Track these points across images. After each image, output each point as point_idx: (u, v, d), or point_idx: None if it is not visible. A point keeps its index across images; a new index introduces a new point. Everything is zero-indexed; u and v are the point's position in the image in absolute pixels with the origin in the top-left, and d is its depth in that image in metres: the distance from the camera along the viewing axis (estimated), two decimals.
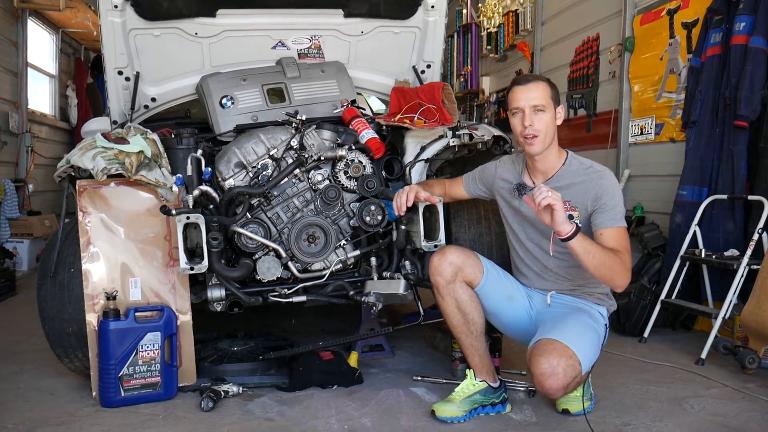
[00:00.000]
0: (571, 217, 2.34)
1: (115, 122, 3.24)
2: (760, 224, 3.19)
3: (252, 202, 2.76)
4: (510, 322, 2.54)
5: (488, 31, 7.31)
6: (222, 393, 2.56)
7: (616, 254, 2.21)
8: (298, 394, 2.67)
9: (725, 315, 3.17)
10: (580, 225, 2.26)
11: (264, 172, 2.75)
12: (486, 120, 7.41)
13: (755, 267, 3.13)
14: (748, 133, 3.46)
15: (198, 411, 2.47)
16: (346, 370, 2.81)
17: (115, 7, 2.97)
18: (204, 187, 2.61)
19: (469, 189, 2.70)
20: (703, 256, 3.46)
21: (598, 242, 2.25)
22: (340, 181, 2.84)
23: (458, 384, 2.47)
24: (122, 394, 2.51)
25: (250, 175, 2.76)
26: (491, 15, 7.22)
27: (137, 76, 3.18)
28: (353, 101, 3.19)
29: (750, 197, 3.38)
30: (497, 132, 2.95)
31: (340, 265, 2.82)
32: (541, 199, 2.13)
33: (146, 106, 3.31)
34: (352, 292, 2.82)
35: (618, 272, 2.21)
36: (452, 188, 2.73)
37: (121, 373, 2.50)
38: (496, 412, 2.46)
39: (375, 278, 2.81)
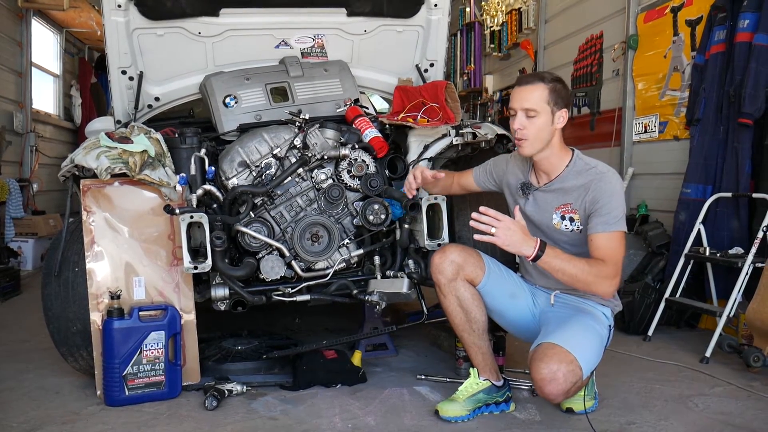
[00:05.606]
0: (572, 220, 2.35)
1: (118, 121, 3.25)
2: (765, 222, 3.18)
3: (255, 201, 2.76)
4: (513, 320, 2.53)
5: (491, 29, 7.30)
6: (226, 392, 2.57)
7: (593, 266, 2.19)
8: (301, 392, 2.67)
9: (730, 313, 3.16)
10: (544, 242, 2.21)
11: (267, 171, 2.76)
12: (489, 118, 7.40)
13: (760, 265, 3.12)
14: (752, 130, 3.45)
15: (202, 410, 2.47)
16: (350, 368, 2.81)
17: (119, 6, 2.97)
18: (207, 187, 2.61)
19: (480, 181, 2.66)
20: (707, 254, 3.45)
21: (589, 247, 2.25)
22: (343, 180, 2.83)
23: (462, 383, 2.47)
24: (126, 392, 2.51)
25: (254, 174, 2.77)
26: (494, 13, 7.21)
27: (141, 75, 3.19)
28: (356, 100, 3.18)
29: (754, 195, 3.37)
30: (501, 130, 2.94)
31: (344, 264, 2.83)
32: (485, 239, 2.15)
33: (150, 106, 3.31)
34: (355, 291, 2.82)
35: (593, 284, 2.20)
36: (462, 179, 2.70)
37: (125, 372, 2.50)
38: (500, 411, 2.46)
39: (378, 277, 2.81)
